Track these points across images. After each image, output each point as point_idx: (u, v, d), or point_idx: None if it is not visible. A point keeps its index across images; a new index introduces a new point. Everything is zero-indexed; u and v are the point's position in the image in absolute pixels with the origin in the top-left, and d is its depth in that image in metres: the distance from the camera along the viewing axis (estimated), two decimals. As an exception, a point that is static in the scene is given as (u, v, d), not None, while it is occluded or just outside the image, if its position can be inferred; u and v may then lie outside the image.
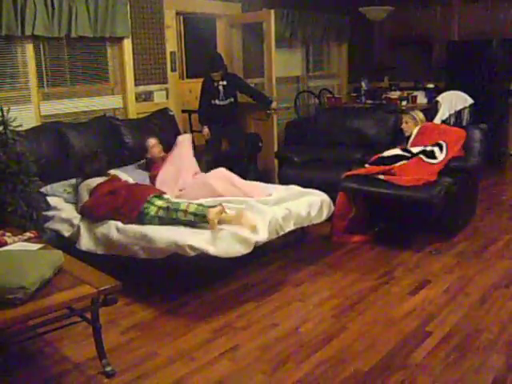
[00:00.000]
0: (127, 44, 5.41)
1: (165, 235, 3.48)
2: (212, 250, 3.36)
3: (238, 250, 3.49)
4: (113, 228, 3.74)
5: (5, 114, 3.85)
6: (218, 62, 5.91)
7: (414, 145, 5.03)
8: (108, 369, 2.82)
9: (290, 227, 3.97)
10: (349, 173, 4.82)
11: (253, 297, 3.73)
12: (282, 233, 3.89)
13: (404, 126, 5.24)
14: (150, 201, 3.83)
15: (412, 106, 7.31)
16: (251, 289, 3.87)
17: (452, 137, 4.89)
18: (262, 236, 3.62)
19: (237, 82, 6.05)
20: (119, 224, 3.74)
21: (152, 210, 3.76)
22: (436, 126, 5.12)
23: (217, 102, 5.89)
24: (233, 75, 6.10)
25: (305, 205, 4.14)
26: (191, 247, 3.31)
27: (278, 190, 4.47)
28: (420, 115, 5.23)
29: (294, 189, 4.46)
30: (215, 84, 5.85)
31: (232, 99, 5.97)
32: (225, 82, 5.88)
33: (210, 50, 6.54)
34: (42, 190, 4.15)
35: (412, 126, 5.16)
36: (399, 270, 4.13)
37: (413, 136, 5.12)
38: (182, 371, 2.86)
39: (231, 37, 6.61)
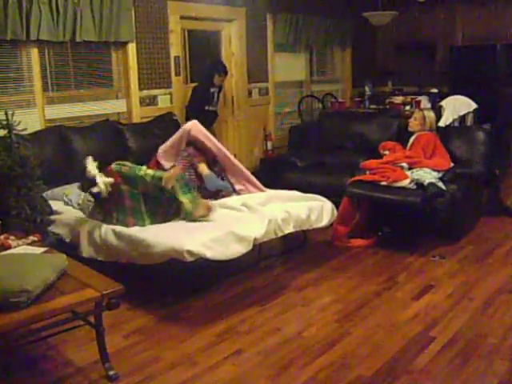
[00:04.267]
0: (131, 48, 5.42)
1: (162, 240, 3.45)
2: (209, 253, 3.34)
3: (238, 249, 3.49)
4: (110, 233, 3.72)
5: (9, 117, 3.86)
6: (225, 67, 5.97)
7: (409, 149, 5.13)
8: (111, 373, 2.82)
9: (290, 229, 3.97)
10: (354, 178, 4.83)
11: (256, 301, 3.72)
12: (280, 234, 3.89)
13: (411, 121, 5.27)
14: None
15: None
16: (254, 293, 3.87)
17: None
18: (260, 232, 3.63)
19: (221, 90, 6.14)
20: (116, 228, 3.73)
21: None
22: (432, 139, 5.11)
23: (210, 108, 5.89)
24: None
25: (305, 208, 4.14)
26: (189, 252, 3.29)
27: (277, 194, 4.46)
28: (432, 118, 5.21)
29: (295, 194, 4.46)
30: (211, 90, 5.85)
31: (218, 106, 6.05)
32: (218, 89, 5.94)
33: (213, 57, 6.55)
34: (43, 194, 4.14)
35: (417, 125, 5.17)
36: (403, 275, 4.12)
37: (411, 141, 5.16)
38: (185, 375, 2.86)
39: (235, 41, 6.63)
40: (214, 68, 5.92)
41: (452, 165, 4.95)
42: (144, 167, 3.84)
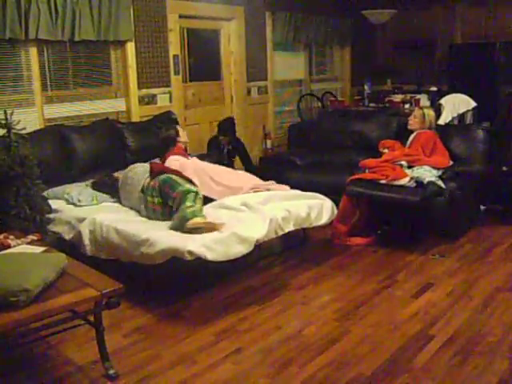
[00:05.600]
0: (130, 47, 5.42)
1: (164, 239, 3.44)
2: (210, 255, 3.32)
3: (239, 250, 3.48)
4: (112, 231, 3.72)
5: (8, 117, 3.86)
6: (229, 127, 6.16)
7: (409, 147, 5.14)
8: (111, 372, 2.82)
9: (290, 228, 3.96)
10: (353, 177, 4.83)
11: (256, 300, 3.73)
12: (281, 233, 3.88)
13: (411, 119, 5.27)
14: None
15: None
16: (254, 292, 3.87)
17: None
18: (261, 233, 3.63)
19: (239, 148, 6.27)
20: (118, 226, 3.74)
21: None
22: (431, 137, 5.11)
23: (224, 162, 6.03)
24: (238, 141, 6.28)
25: (305, 206, 4.14)
26: (190, 252, 3.29)
27: (277, 193, 4.45)
28: (431, 115, 5.22)
29: (294, 192, 4.46)
30: (222, 146, 6.00)
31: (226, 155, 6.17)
32: (230, 147, 6.06)
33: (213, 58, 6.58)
34: (44, 193, 4.14)
35: (417, 124, 5.18)
36: (402, 273, 4.13)
37: (410, 139, 5.17)
38: (185, 374, 2.86)
39: (234, 40, 6.62)
40: (220, 127, 6.18)
41: (451, 163, 4.95)
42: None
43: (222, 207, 4.07)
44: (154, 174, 4.04)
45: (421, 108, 5.51)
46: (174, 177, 3.97)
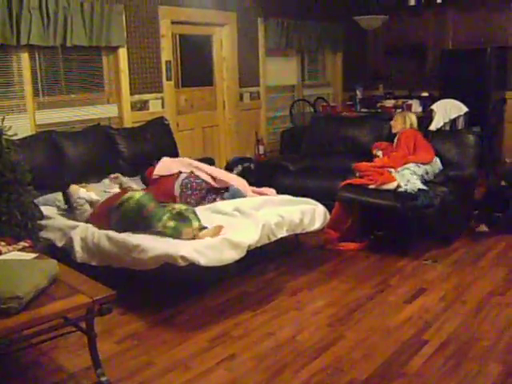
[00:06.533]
0: (122, 53, 5.41)
1: (157, 245, 3.44)
2: (203, 260, 3.33)
3: (232, 256, 3.48)
4: (103, 238, 3.70)
5: (0, 122, 3.84)
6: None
7: (395, 149, 5.19)
8: (103, 379, 2.80)
9: (283, 233, 3.97)
10: (345, 182, 4.83)
11: (249, 305, 3.71)
12: (274, 238, 3.89)
13: (393, 122, 5.38)
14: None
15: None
16: (247, 297, 3.86)
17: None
18: (254, 238, 3.63)
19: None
20: (110, 233, 3.72)
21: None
22: (412, 134, 5.15)
23: None
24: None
25: (298, 212, 4.14)
26: (183, 258, 3.28)
27: (270, 198, 4.45)
28: (412, 118, 5.31)
29: (287, 198, 4.47)
30: None
31: None
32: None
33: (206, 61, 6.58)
34: (35, 200, 4.10)
35: (399, 125, 5.28)
36: (395, 278, 4.13)
37: (395, 141, 5.25)
38: (178, 380, 2.84)
39: (227, 45, 6.63)
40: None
41: (436, 158, 4.96)
42: (165, 218, 3.66)
43: (215, 212, 4.07)
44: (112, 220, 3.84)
45: (402, 112, 5.59)
46: (124, 207, 3.80)
